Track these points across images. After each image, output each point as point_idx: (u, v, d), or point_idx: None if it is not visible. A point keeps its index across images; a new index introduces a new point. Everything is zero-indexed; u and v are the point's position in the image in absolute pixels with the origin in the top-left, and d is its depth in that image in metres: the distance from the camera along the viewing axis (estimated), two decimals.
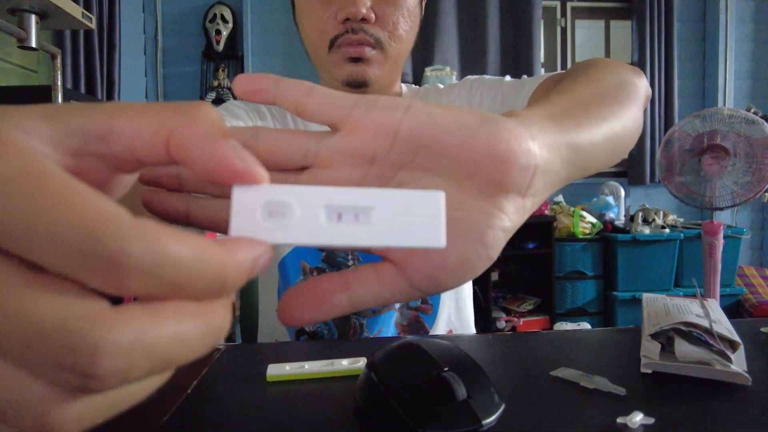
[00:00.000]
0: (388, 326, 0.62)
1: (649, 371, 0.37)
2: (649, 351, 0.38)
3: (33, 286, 0.12)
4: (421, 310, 0.64)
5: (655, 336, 0.39)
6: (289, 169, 0.23)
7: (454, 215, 0.22)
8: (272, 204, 0.16)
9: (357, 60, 0.57)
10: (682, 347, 0.37)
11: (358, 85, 0.59)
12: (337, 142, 0.21)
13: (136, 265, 0.12)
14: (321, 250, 0.62)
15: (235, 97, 2.62)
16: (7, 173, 0.11)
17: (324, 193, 0.17)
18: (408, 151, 0.21)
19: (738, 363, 0.36)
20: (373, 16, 0.55)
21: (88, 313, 0.11)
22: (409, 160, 0.22)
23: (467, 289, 0.69)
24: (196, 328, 0.13)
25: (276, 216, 0.16)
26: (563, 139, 0.26)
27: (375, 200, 0.17)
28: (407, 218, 0.17)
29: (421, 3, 0.63)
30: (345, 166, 0.22)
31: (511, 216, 0.23)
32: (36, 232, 0.11)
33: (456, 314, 0.66)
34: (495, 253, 0.23)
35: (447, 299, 0.66)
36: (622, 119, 0.34)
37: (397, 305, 0.63)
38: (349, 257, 0.62)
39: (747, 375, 0.34)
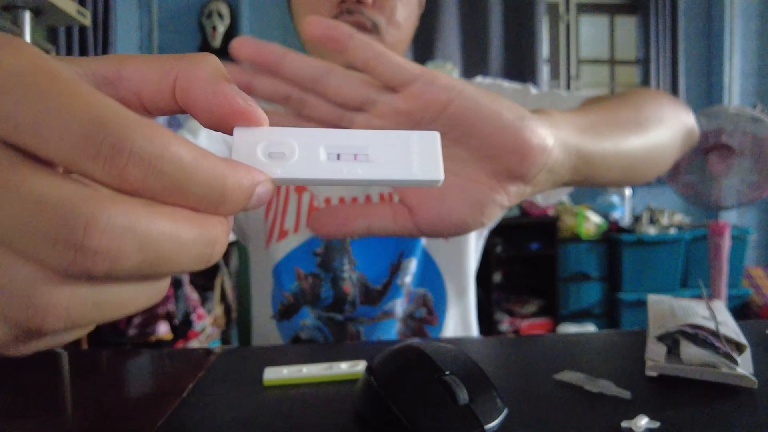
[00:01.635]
0: (389, 336, 0.61)
1: (655, 374, 0.36)
2: (655, 354, 0.38)
3: (37, 170, 0.12)
4: (426, 321, 0.64)
5: (660, 338, 0.39)
6: (349, 107, 0.27)
7: (466, 184, 0.27)
8: (273, 144, 0.16)
9: None
10: (687, 350, 0.36)
11: None
12: (395, 101, 0.26)
13: (138, 153, 0.12)
14: (315, 254, 0.61)
15: None
16: (21, 67, 0.12)
17: (322, 135, 0.17)
18: (448, 124, 0.26)
19: (744, 365, 0.35)
20: None
21: (86, 192, 0.12)
22: (445, 131, 0.26)
23: (472, 300, 0.68)
24: (190, 233, 0.13)
25: (277, 157, 0.16)
26: (579, 150, 0.29)
27: (372, 140, 0.17)
28: (406, 155, 0.17)
29: None
30: (392, 121, 0.26)
31: (511, 197, 0.28)
32: (46, 119, 0.12)
33: (461, 326, 0.66)
34: (489, 222, 0.28)
35: (453, 310, 0.65)
36: (647, 148, 0.37)
37: (400, 315, 0.62)
38: (345, 263, 0.61)
39: (753, 378, 0.34)
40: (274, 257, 0.62)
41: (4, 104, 0.12)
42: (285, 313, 0.63)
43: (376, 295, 0.61)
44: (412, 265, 0.62)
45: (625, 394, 0.33)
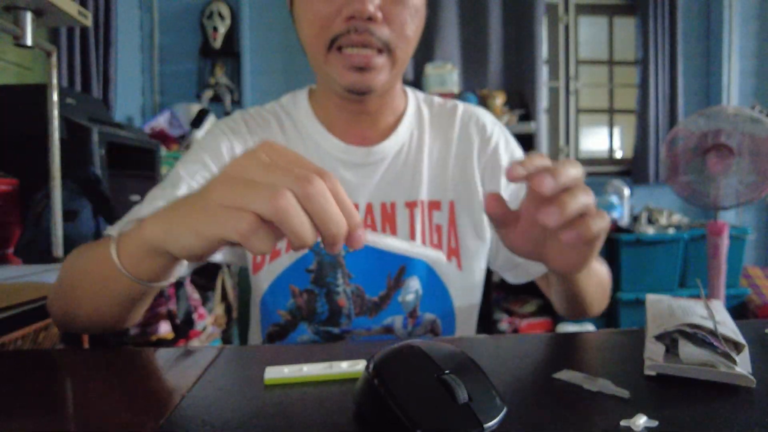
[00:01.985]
0: None
1: (653, 373, 0.36)
2: (653, 353, 0.38)
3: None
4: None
5: (659, 338, 0.39)
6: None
7: (534, 248, 0.43)
8: (367, 233, 0.33)
9: (362, 68, 0.53)
10: (686, 349, 0.36)
11: (361, 93, 0.56)
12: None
13: (333, 187, 0.31)
14: (308, 271, 0.61)
15: (232, 95, 2.62)
16: (285, 150, 0.33)
17: (389, 235, 0.41)
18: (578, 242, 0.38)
19: (743, 365, 0.35)
20: (380, 15, 0.51)
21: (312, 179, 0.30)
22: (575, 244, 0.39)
23: (475, 324, 0.69)
24: (338, 212, 0.30)
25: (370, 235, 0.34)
26: (579, 281, 0.51)
27: (414, 244, 0.38)
28: (424, 248, 0.38)
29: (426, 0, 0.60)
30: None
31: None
32: (301, 166, 0.31)
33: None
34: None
35: (459, 335, 0.66)
36: (597, 291, 0.57)
37: (404, 335, 0.63)
38: (339, 277, 0.61)
39: (752, 377, 0.34)
40: (262, 285, 0.62)
41: (290, 158, 0.31)
42: (278, 334, 0.63)
43: (372, 307, 0.61)
44: (415, 283, 0.62)
45: (624, 393, 0.33)
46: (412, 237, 0.62)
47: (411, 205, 0.62)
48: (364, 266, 0.61)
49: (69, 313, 0.48)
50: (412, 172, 0.64)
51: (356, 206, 0.62)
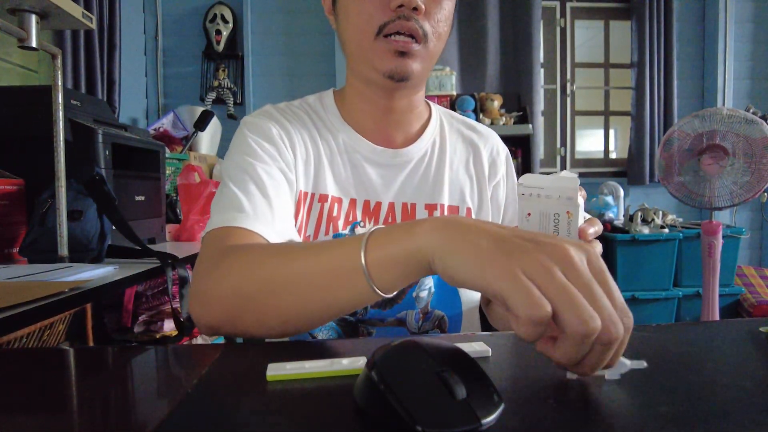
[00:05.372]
0: None
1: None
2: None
3: None
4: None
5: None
6: None
7: None
8: None
9: (402, 54, 0.58)
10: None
11: (399, 79, 0.60)
12: None
13: None
14: None
15: (235, 97, 2.62)
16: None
17: None
18: None
19: None
20: (423, 7, 0.57)
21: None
22: None
23: (478, 320, 0.73)
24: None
25: None
26: None
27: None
28: None
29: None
30: None
31: None
32: None
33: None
34: None
35: (465, 330, 0.69)
36: None
37: (414, 328, 0.65)
38: None
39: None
40: None
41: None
42: None
43: (388, 300, 0.64)
44: (429, 281, 0.65)
45: (615, 376, 0.34)
46: None
47: (431, 207, 0.67)
48: None
49: (253, 321, 0.45)
50: (433, 177, 0.68)
51: (379, 204, 0.66)
